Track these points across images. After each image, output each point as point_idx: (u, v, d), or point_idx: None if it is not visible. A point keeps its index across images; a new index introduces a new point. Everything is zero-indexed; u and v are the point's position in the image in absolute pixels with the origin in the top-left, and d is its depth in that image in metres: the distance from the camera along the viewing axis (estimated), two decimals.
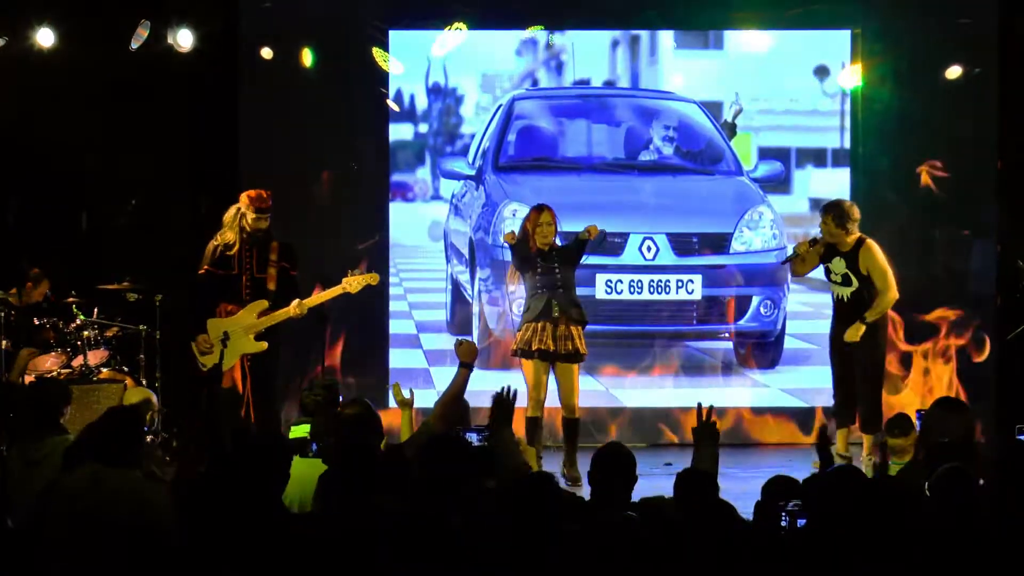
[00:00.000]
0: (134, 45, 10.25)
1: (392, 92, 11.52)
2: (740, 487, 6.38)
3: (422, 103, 11.71)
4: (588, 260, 10.08)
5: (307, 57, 11.04)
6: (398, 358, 11.56)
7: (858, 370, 9.57)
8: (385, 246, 11.48)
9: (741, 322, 11.25)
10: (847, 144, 11.56)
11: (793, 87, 11.65)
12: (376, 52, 11.24)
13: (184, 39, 10.45)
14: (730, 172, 11.50)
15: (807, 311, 11.23)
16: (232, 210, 9.14)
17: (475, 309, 11.39)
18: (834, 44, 11.57)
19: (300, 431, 7.03)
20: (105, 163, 10.78)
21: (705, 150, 11.58)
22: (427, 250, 11.87)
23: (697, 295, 11.18)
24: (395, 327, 11.62)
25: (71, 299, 10.28)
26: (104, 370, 10.08)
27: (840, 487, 4.96)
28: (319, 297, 9.23)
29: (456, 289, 11.79)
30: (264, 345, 9.03)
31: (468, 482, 5.34)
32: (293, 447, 6.05)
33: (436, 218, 11.88)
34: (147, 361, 10.25)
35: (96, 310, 10.34)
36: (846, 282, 9.52)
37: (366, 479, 5.30)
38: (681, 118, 11.61)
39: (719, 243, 11.19)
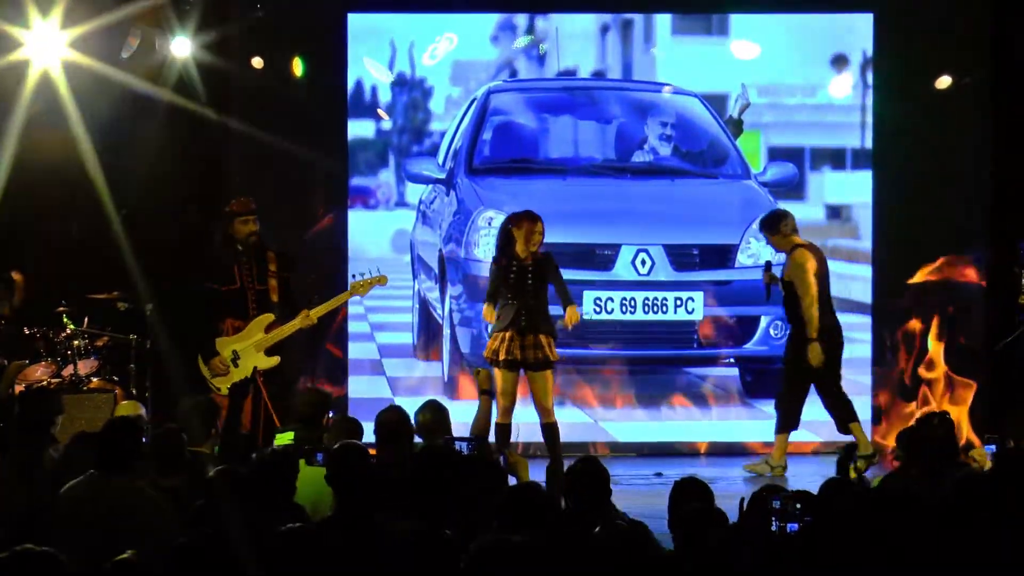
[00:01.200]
0: (124, 54, 10.65)
1: (351, 82, 11.39)
2: (729, 494, 6.38)
3: (385, 96, 11.54)
4: (575, 276, 10.21)
5: (297, 66, 11.18)
6: (358, 386, 11.39)
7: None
8: (343, 259, 11.24)
9: (748, 345, 11.08)
10: (868, 144, 11.43)
11: (807, 79, 11.51)
12: (368, 62, 11.30)
13: (180, 48, 10.82)
14: (736, 175, 11.33)
15: None
16: (223, 228, 9.59)
17: (445, 331, 11.21)
18: (854, 30, 11.39)
19: (284, 439, 7.38)
20: (96, 172, 10.93)
21: (707, 150, 11.40)
22: (391, 263, 11.42)
23: (698, 315, 10.98)
24: (354, 351, 11.47)
25: (61, 308, 10.71)
26: (94, 380, 10.53)
27: (838, 496, 5.30)
28: (327, 305, 9.52)
29: (424, 308, 11.67)
30: (276, 359, 9.39)
31: (462, 488, 5.67)
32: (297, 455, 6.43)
33: (401, 227, 11.78)
34: (137, 371, 10.75)
35: (86, 319, 10.75)
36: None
37: (364, 486, 5.57)
38: (680, 113, 11.41)
39: (723, 256, 11.00)
